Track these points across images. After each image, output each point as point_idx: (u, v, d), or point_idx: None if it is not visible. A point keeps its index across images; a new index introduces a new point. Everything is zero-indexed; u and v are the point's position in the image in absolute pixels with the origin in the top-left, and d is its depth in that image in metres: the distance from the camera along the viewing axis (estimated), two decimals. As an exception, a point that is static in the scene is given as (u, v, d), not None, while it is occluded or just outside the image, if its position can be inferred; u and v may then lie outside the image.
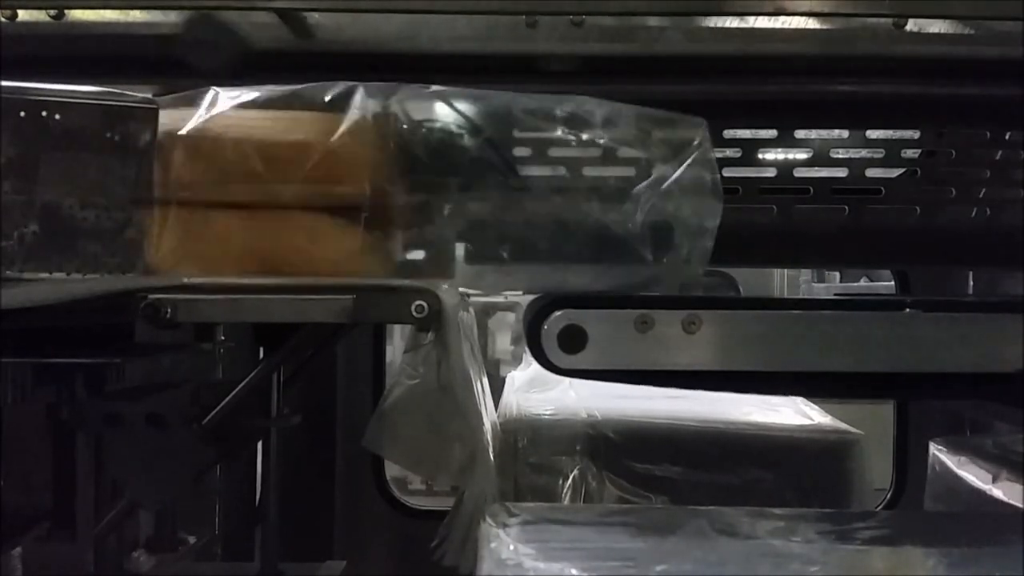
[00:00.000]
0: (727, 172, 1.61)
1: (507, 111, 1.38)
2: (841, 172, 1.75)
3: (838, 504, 2.36)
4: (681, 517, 1.45)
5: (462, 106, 1.38)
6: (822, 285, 4.54)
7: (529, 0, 1.43)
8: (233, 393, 1.41)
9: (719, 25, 1.47)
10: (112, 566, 1.58)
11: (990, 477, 2.12)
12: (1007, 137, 1.70)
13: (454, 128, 1.39)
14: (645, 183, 1.36)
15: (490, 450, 1.92)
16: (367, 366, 2.92)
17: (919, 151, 1.76)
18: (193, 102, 1.31)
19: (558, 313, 1.36)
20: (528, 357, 2.41)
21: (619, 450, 2.41)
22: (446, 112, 1.39)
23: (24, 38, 1.43)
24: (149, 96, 1.29)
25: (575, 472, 2.41)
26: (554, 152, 1.47)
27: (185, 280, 1.21)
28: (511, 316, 4.96)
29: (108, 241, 1.25)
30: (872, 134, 1.73)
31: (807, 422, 2.63)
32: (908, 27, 1.42)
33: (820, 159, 1.74)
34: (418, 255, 1.39)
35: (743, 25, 1.46)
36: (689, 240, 1.35)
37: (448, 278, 1.34)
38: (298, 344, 1.44)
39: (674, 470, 2.37)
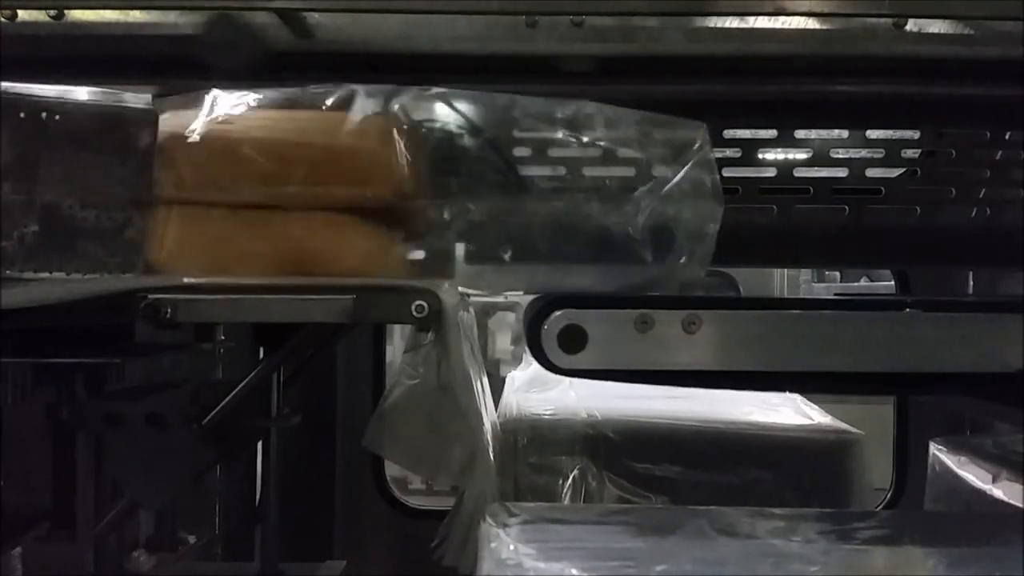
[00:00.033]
0: (727, 172, 1.61)
1: (507, 112, 1.38)
2: (841, 172, 1.75)
3: (838, 504, 2.36)
4: (681, 517, 1.45)
5: (463, 106, 1.38)
6: (822, 285, 4.53)
7: (529, 0, 1.43)
8: (233, 393, 1.41)
9: (719, 25, 1.47)
10: (112, 566, 1.58)
11: (990, 477, 2.11)
12: (1007, 137, 1.70)
13: (454, 128, 1.39)
14: (646, 186, 1.36)
15: (490, 450, 1.92)
16: (367, 366, 2.92)
17: (919, 151, 1.76)
18: (194, 103, 1.31)
19: (558, 313, 1.36)
20: (528, 357, 2.42)
21: (619, 450, 2.41)
22: (446, 112, 1.39)
23: (24, 38, 1.43)
24: (149, 97, 1.29)
25: (575, 472, 2.41)
26: (554, 152, 1.48)
27: (185, 280, 1.21)
28: (511, 316, 4.95)
29: (108, 241, 1.25)
30: (872, 134, 1.72)
31: (807, 422, 2.63)
32: (908, 27, 1.42)
33: (820, 159, 1.74)
34: (419, 255, 1.39)
35: (743, 25, 1.46)
36: (690, 244, 1.36)
37: (448, 278, 1.34)
38: (298, 344, 1.44)
39: (674, 470, 2.38)
